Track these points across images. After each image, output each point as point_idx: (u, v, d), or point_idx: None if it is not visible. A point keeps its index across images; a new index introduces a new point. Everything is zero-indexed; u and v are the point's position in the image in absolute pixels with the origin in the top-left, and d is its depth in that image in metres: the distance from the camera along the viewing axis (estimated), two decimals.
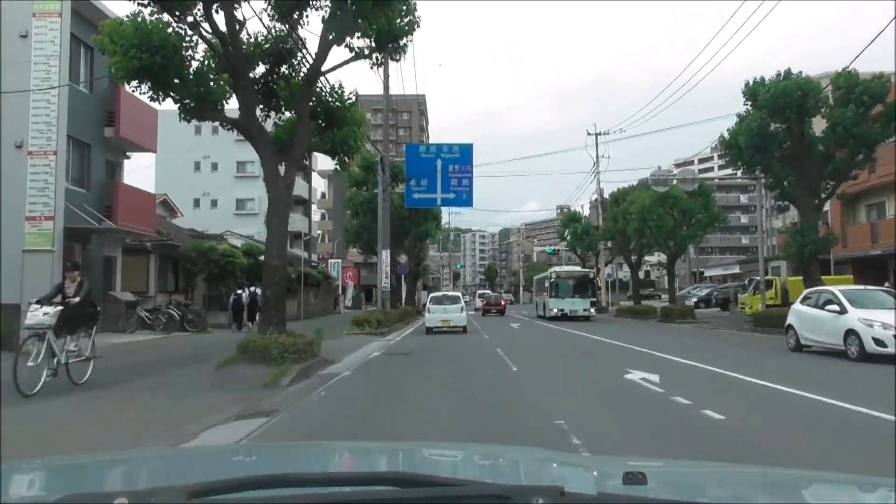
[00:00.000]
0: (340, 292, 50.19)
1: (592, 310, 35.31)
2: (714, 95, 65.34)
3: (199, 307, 25.98)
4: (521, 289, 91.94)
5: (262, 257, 18.71)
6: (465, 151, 30.74)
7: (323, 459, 2.28)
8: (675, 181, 28.53)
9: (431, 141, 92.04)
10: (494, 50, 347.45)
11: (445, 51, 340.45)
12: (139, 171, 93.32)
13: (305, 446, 3.48)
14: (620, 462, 2.08)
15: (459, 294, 32.46)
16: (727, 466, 2.58)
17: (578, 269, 42.08)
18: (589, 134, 52.77)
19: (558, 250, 71.77)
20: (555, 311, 34.83)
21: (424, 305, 32.81)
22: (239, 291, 25.52)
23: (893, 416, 7.23)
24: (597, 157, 53.00)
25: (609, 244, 50.34)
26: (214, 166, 52.72)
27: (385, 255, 26.54)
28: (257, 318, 25.44)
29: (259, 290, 26.23)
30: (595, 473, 1.88)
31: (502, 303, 48.73)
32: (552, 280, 36.06)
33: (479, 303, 63.23)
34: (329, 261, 51.37)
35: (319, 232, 68.08)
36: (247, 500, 1.24)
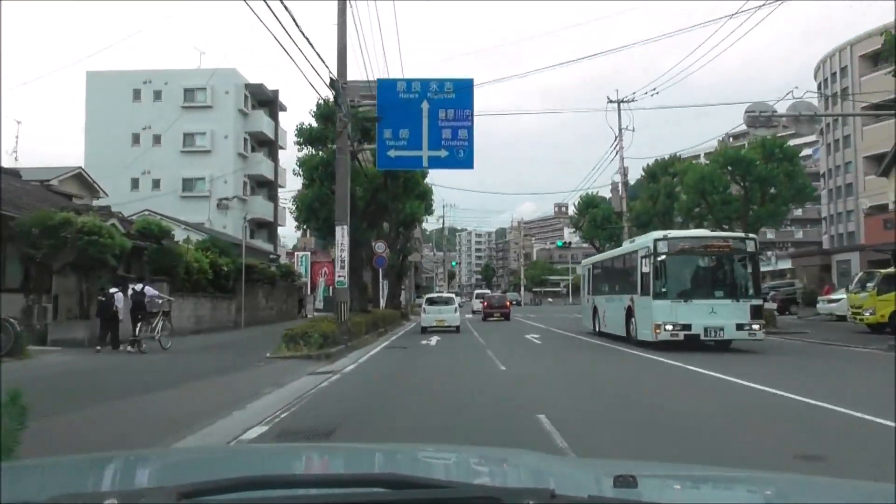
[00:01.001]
0: (309, 292, 41.06)
1: (758, 329, 15.95)
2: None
3: (24, 315, 16.78)
4: (523, 289, 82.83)
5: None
6: (463, 91, 21.67)
7: (314, 461, 2.29)
8: (780, 124, 18.94)
9: None
10: (490, 50, 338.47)
11: (444, 51, 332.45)
12: (59, 143, 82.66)
13: (297, 448, 3.68)
14: (611, 465, 2.16)
15: (453, 296, 32.41)
16: (719, 470, 2.60)
17: (723, 235, 19.02)
18: (610, 101, 43.99)
19: (569, 244, 62.49)
20: (667, 328, 15.79)
21: (414, 308, 32.86)
22: (112, 290, 16.32)
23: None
24: (619, 128, 44.06)
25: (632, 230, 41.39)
26: (157, 139, 43.46)
27: (342, 234, 17.45)
28: (150, 330, 16.45)
29: (152, 290, 17.13)
30: (586, 476, 1.91)
31: (507, 305, 39.58)
32: (656, 256, 16.30)
33: (476, 304, 54.14)
34: (296, 254, 42.11)
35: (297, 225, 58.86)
36: (237, 500, 1.24)
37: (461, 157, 21.60)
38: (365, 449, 2.80)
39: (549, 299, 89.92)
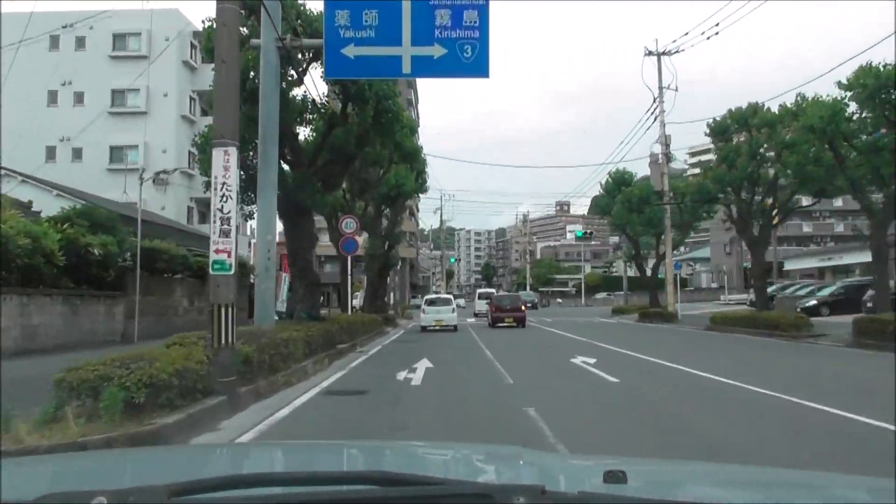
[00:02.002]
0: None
1: None
2: None
3: None
4: (529, 288, 73.93)
5: None
6: None
7: (306, 458, 2.28)
8: None
9: (425, 110, 74.36)
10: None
11: None
12: None
13: (288, 446, 3.53)
14: (602, 461, 2.08)
15: (451, 297, 32.56)
16: (709, 465, 2.60)
17: None
18: (649, 53, 35.18)
19: (590, 233, 53.22)
20: None
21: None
22: None
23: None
24: (659, 86, 35.30)
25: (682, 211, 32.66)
26: (79, 97, 34.53)
27: (224, 160, 8.47)
28: None
29: None
30: (576, 472, 1.90)
31: (522, 308, 30.68)
32: None
33: (480, 306, 45.22)
34: (252, 241, 33.15)
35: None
36: (228, 499, 1.24)
37: (468, 59, 12.84)
38: (356, 446, 2.76)
39: (559, 300, 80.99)
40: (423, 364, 13.18)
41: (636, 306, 43.88)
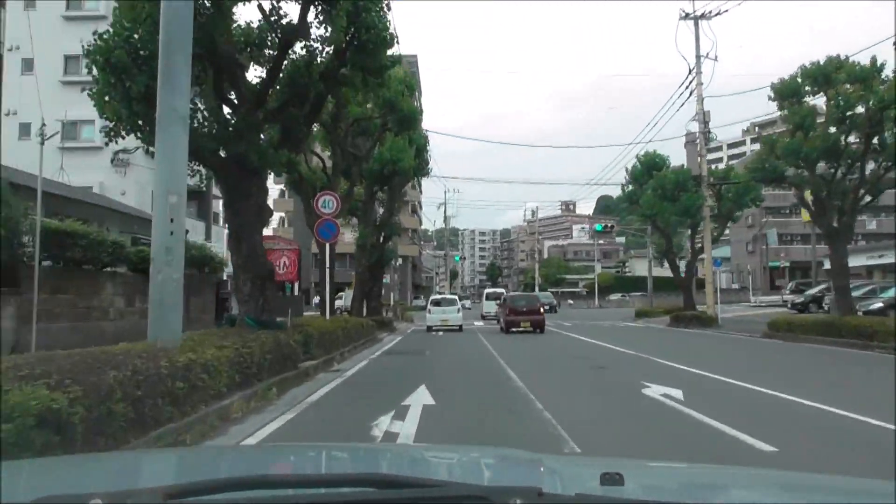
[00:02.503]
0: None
1: None
2: None
3: None
4: (538, 289, 69.21)
5: None
6: None
7: (303, 461, 2.25)
8: None
9: (426, 93, 69.55)
10: (493, 53, 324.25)
11: (441, 52, 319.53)
12: None
13: (284, 448, 3.55)
14: (599, 463, 2.09)
15: (456, 297, 33.88)
16: (707, 468, 2.56)
17: None
18: (685, 16, 30.55)
19: (611, 227, 48.13)
20: None
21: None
22: None
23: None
24: (696, 53, 30.62)
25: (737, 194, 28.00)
26: (27, 64, 29.90)
27: None
28: None
29: None
30: (573, 474, 1.88)
31: (540, 311, 25.99)
32: None
33: (489, 307, 40.58)
34: (225, 231, 28.45)
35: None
36: (223, 501, 1.23)
37: None
38: (352, 448, 2.73)
39: (570, 301, 76.19)
40: (420, 398, 8.54)
41: (661, 308, 39.26)
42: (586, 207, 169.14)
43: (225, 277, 25.65)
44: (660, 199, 30.80)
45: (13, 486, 1.58)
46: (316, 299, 44.28)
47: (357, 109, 18.52)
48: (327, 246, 15.65)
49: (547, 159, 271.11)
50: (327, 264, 15.83)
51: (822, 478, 2.06)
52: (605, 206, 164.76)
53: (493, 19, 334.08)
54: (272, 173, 14.72)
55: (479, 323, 34.39)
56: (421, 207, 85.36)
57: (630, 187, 33.77)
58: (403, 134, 21.03)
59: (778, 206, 60.92)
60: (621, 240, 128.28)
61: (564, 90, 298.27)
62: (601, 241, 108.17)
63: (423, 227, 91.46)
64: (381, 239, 27.20)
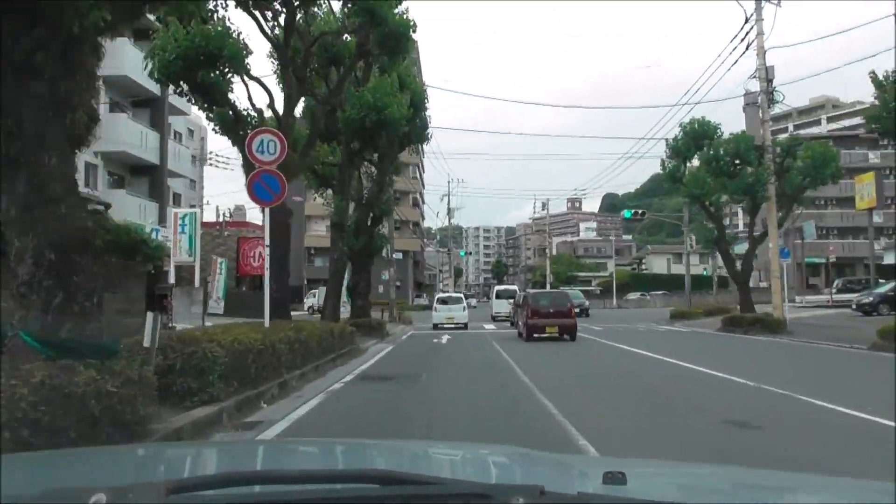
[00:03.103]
0: (198, 285, 22.01)
1: None
2: None
3: None
4: (548, 286, 63.37)
5: None
6: None
7: (306, 456, 2.21)
8: None
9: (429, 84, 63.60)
10: (497, 52, 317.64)
11: (444, 52, 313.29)
12: None
13: (287, 443, 3.62)
14: (602, 462, 2.14)
15: (462, 296, 33.28)
16: (710, 467, 2.53)
17: None
18: None
19: (641, 213, 42.10)
20: None
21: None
22: None
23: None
24: None
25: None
26: None
27: None
28: None
29: None
30: (576, 473, 1.87)
31: (571, 313, 20.26)
32: None
33: (499, 306, 34.76)
34: (174, 213, 22.69)
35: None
36: (225, 496, 1.21)
37: None
38: (355, 445, 2.72)
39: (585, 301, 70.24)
40: None
41: (698, 309, 33.55)
42: (592, 205, 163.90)
43: (155, 268, 19.84)
44: (713, 174, 25.04)
45: (15, 480, 1.54)
46: (311, 300, 38.30)
47: (323, 25, 12.84)
48: (268, 212, 9.96)
49: (553, 153, 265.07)
50: (266, 242, 10.13)
51: (822, 478, 2.04)
52: (610, 204, 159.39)
53: (493, 20, 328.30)
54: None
55: (490, 326, 28.74)
56: (423, 202, 79.58)
57: (672, 163, 27.96)
58: (392, 68, 15.25)
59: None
60: (628, 237, 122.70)
61: (566, 89, 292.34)
62: (612, 238, 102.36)
63: (426, 224, 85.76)
64: (370, 221, 21.49)
